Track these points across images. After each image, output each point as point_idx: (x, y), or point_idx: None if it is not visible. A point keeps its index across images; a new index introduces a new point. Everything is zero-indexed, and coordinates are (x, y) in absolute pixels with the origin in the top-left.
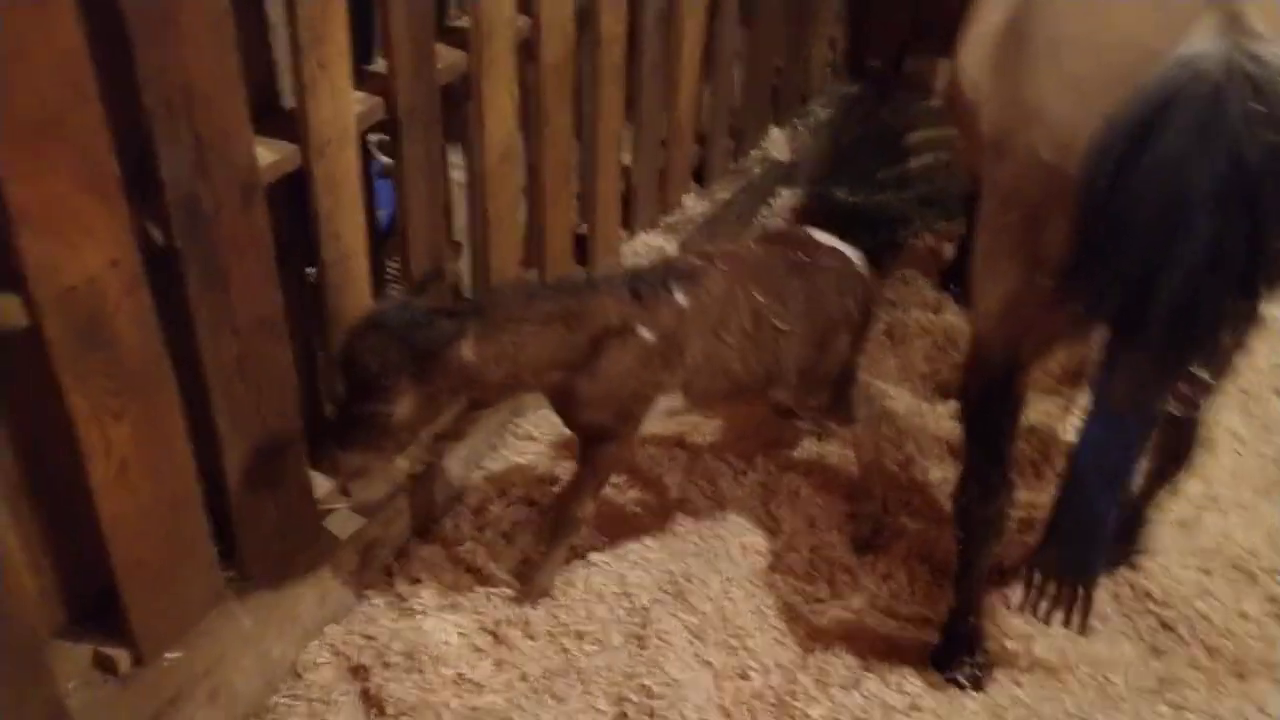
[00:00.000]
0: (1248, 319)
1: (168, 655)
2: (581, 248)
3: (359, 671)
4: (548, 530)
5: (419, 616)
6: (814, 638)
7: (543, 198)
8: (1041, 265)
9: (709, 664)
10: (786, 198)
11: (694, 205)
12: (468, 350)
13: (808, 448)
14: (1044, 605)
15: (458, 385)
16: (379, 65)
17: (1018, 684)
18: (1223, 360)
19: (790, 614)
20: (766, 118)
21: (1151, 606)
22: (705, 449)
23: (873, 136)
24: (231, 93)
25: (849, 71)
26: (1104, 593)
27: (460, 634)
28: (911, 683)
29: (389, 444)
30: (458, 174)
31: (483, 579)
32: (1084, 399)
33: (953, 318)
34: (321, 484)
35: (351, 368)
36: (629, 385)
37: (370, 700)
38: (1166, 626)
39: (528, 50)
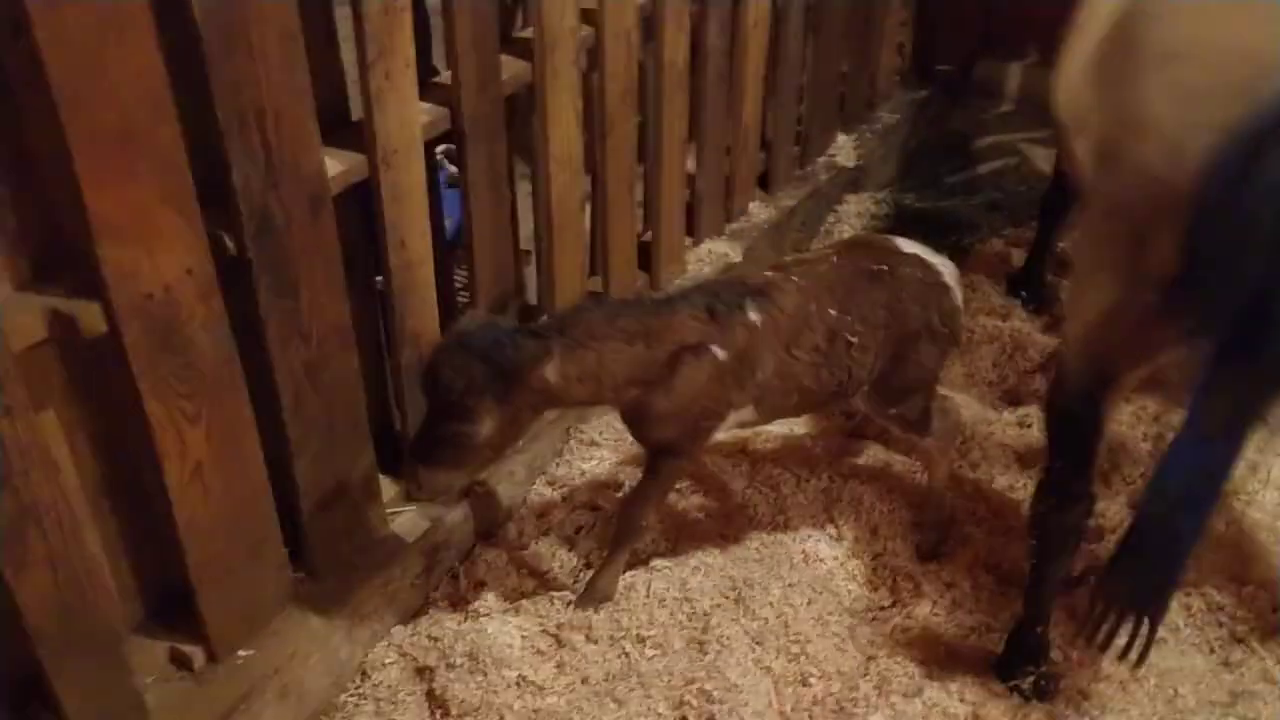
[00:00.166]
0: None
1: (240, 653)
2: (645, 255)
3: (424, 672)
4: (610, 536)
5: (483, 619)
6: (875, 645)
7: (606, 205)
8: (1146, 279)
9: (769, 669)
10: (853, 204)
11: (759, 212)
12: (552, 371)
13: (872, 455)
14: (1104, 634)
15: (540, 404)
16: (445, 77)
17: (1084, 695)
18: None
19: (851, 620)
20: (833, 124)
21: (1222, 619)
22: (768, 456)
23: (941, 142)
24: (301, 107)
25: (918, 77)
26: (1175, 603)
27: (523, 636)
28: (973, 691)
29: (472, 462)
30: (527, 183)
31: (545, 583)
32: (1156, 407)
33: (1020, 324)
34: (389, 488)
35: (435, 387)
36: (701, 403)
37: (435, 700)
38: (1237, 639)
39: (592, 59)
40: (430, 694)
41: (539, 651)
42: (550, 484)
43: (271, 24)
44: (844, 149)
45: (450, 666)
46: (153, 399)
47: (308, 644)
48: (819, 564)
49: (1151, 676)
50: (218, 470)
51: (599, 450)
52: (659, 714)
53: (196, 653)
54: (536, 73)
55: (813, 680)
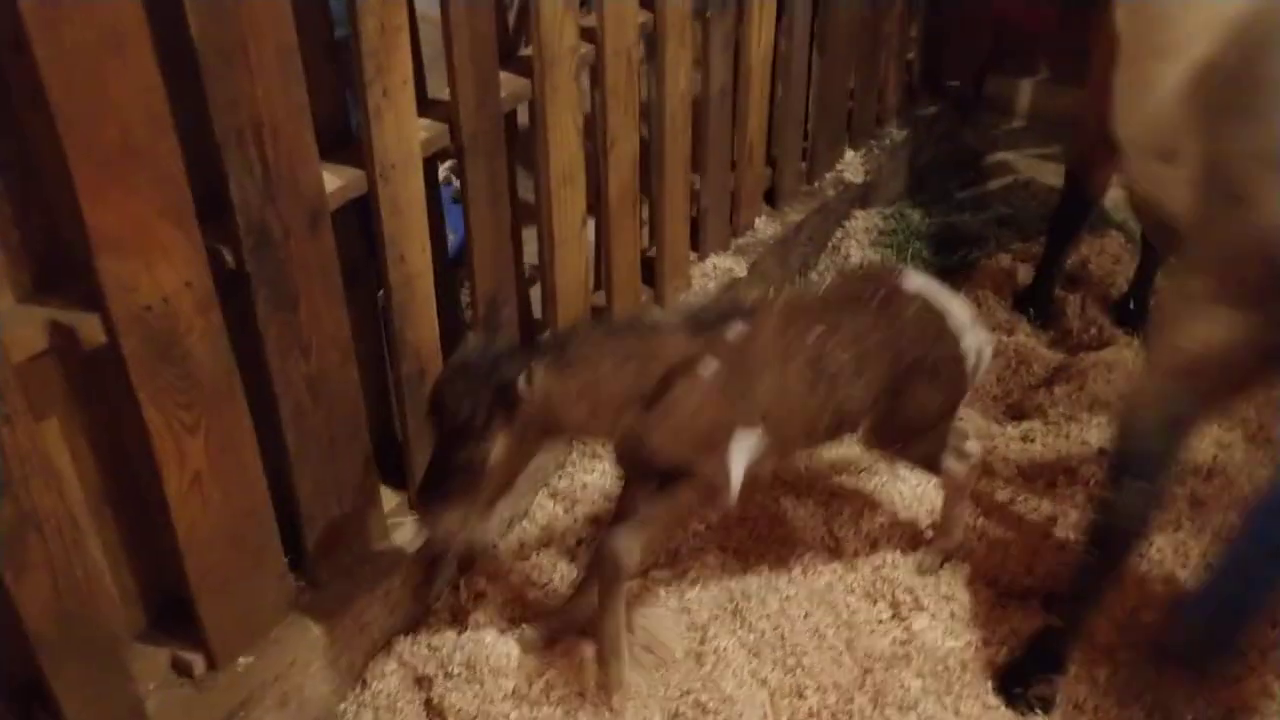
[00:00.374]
0: None
1: (240, 660)
2: (649, 270)
3: (423, 681)
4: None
5: (482, 629)
6: (872, 658)
7: (610, 220)
8: (1275, 316)
9: (764, 682)
10: (861, 220)
11: (765, 227)
12: (539, 383)
13: (874, 468)
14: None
15: (542, 424)
16: (444, 93)
17: (1079, 709)
18: None
19: (849, 633)
20: (840, 140)
21: None
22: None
23: (951, 157)
24: (299, 122)
25: (928, 93)
26: None
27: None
28: (969, 705)
29: (485, 493)
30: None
31: (546, 595)
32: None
33: (1025, 338)
34: (390, 498)
35: (442, 414)
36: (701, 418)
37: (433, 709)
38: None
39: (594, 75)
40: (428, 703)
41: (536, 662)
42: (552, 496)
43: (269, 39)
44: (852, 164)
45: (448, 676)
46: (151, 408)
47: (308, 652)
48: (817, 576)
49: (1149, 691)
50: (217, 480)
51: (601, 463)
52: None
53: (197, 660)
54: (536, 89)
55: (808, 693)
